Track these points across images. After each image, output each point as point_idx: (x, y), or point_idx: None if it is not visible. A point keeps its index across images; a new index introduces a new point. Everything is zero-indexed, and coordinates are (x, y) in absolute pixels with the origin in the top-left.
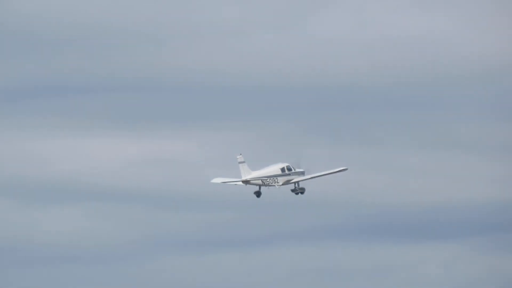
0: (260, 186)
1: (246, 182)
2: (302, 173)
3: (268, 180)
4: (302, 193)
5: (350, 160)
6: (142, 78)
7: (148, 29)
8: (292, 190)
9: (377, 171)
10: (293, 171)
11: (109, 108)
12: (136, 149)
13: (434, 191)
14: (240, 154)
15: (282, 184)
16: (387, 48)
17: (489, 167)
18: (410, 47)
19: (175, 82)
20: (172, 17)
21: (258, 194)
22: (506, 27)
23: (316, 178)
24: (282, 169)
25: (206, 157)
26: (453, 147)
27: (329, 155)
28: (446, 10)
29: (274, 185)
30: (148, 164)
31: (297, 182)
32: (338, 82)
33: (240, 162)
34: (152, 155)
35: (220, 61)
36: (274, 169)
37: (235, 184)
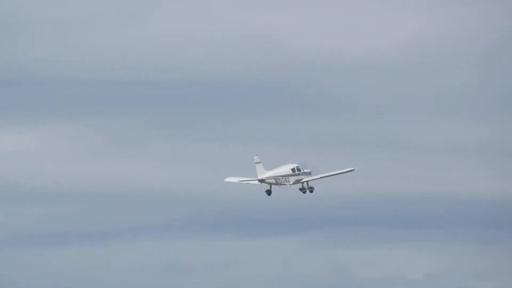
0: (271, 185)
1: (261, 181)
2: (310, 173)
3: (281, 179)
4: (311, 191)
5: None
6: None
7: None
8: (300, 189)
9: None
10: (302, 171)
11: None
12: None
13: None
14: (257, 155)
15: (293, 184)
16: (231, 44)
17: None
18: (254, 44)
19: (16, 76)
20: (20, 12)
21: (269, 192)
22: (360, 27)
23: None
24: (293, 170)
25: (51, 151)
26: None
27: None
28: (289, 8)
29: (285, 184)
30: None
31: (307, 181)
32: (180, 77)
33: (256, 163)
34: None
35: (64, 56)
36: (286, 169)
37: (248, 183)
